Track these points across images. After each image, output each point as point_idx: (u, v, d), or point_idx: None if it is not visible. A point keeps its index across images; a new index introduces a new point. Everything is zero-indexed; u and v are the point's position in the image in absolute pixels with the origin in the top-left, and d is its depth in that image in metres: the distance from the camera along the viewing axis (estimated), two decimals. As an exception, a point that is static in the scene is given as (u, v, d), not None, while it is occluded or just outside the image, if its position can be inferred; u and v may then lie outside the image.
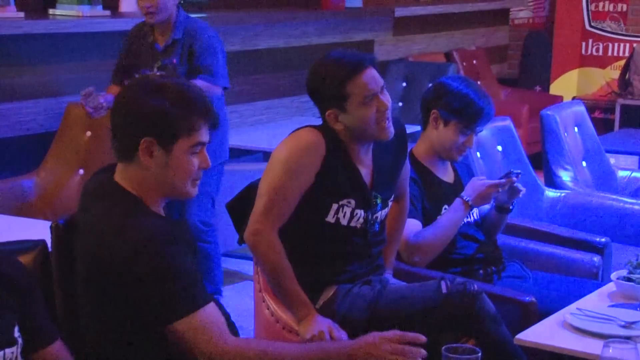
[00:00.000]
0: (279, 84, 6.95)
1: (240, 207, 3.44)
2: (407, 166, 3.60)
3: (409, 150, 3.78)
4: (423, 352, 2.51)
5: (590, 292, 3.42)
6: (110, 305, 2.46)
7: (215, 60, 4.89)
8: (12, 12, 5.35)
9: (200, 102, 2.53)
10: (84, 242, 2.51)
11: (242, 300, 5.06)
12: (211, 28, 5.08)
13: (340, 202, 3.32)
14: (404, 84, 7.67)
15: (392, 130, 3.31)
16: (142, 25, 5.05)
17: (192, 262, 2.50)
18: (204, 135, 2.54)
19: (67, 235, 2.63)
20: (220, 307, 2.64)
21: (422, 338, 2.55)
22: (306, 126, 3.39)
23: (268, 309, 3.41)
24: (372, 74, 3.27)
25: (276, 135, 3.51)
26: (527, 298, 3.45)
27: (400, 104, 7.55)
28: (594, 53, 9.86)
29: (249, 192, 3.40)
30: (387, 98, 3.30)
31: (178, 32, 4.96)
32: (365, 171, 3.39)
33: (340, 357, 2.56)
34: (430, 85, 4.18)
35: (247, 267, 4.42)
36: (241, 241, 3.40)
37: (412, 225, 3.71)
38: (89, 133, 5.16)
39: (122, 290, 2.42)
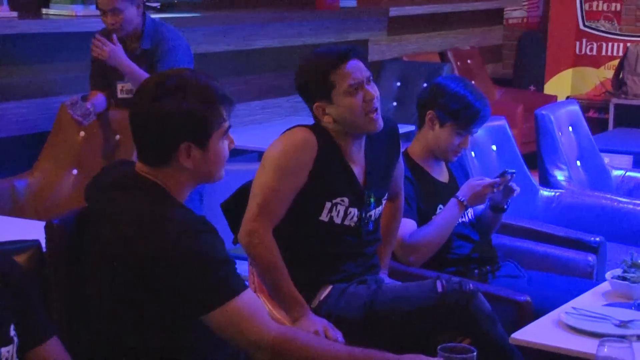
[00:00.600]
0: (274, 84, 6.92)
1: (235, 207, 3.42)
2: (400, 165, 3.59)
3: (404, 149, 3.79)
4: None
5: (585, 291, 3.42)
6: (142, 297, 2.42)
7: (176, 63, 4.81)
8: (5, 11, 5.34)
9: (219, 88, 2.53)
10: (111, 233, 2.47)
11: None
12: (178, 35, 5.02)
13: (334, 201, 3.32)
14: (399, 84, 7.60)
15: (380, 122, 3.31)
16: (109, 31, 4.97)
17: (225, 250, 2.50)
18: (229, 119, 2.56)
19: (73, 231, 2.60)
20: None
21: None
22: (297, 125, 3.39)
23: (263, 309, 3.40)
24: (356, 64, 3.28)
25: (271, 135, 3.47)
26: (522, 297, 3.45)
27: (395, 103, 7.50)
28: (588, 53, 9.87)
29: (244, 192, 3.39)
30: (374, 89, 3.29)
31: (146, 42, 4.94)
32: (358, 169, 3.39)
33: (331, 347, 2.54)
34: (426, 85, 4.18)
35: (242, 267, 4.37)
36: (236, 241, 3.38)
37: (408, 224, 3.70)
38: (82, 133, 5.15)
39: (159, 280, 2.40)
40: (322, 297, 3.34)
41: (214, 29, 6.44)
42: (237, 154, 5.78)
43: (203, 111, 2.47)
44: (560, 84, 9.80)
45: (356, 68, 3.27)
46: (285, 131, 3.37)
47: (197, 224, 2.45)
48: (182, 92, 2.45)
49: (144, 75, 4.72)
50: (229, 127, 2.57)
